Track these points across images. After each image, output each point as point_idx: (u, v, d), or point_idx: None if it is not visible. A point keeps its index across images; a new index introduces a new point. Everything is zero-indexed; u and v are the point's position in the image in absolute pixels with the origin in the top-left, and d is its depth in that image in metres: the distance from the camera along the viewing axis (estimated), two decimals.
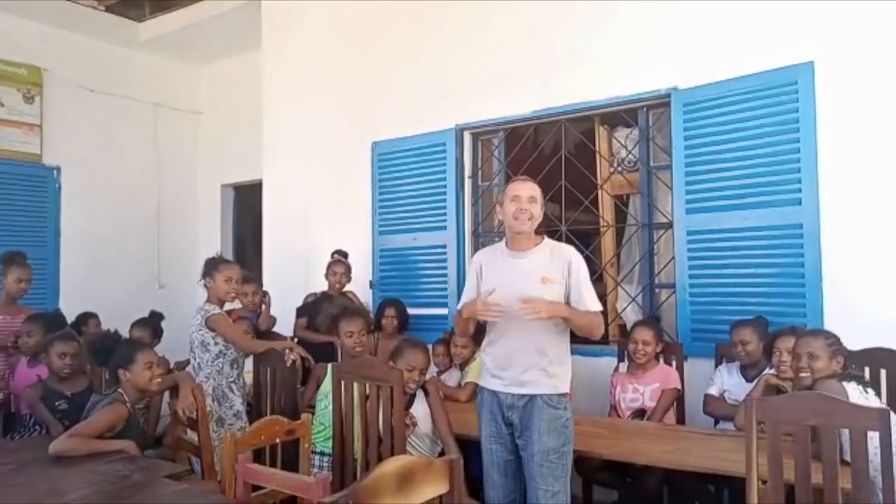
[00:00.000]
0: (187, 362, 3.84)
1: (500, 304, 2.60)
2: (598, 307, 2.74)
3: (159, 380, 3.05)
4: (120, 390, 2.98)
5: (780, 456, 2.20)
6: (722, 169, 3.84)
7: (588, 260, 4.55)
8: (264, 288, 4.91)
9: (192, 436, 3.22)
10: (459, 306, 2.93)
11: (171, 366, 4.20)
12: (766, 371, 3.24)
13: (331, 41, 5.57)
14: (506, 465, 2.76)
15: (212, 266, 3.63)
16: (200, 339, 3.54)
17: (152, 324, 4.60)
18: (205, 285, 3.63)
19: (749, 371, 3.40)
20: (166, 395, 3.45)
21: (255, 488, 2.35)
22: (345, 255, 4.89)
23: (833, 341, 2.73)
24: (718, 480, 3.21)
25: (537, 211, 2.74)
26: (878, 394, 2.92)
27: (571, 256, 2.75)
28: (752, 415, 2.29)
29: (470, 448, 3.05)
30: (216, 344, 3.53)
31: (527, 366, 2.69)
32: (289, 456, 2.72)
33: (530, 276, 2.70)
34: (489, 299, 2.64)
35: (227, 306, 3.81)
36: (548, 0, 4.45)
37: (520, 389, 2.70)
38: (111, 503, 2.21)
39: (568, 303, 2.71)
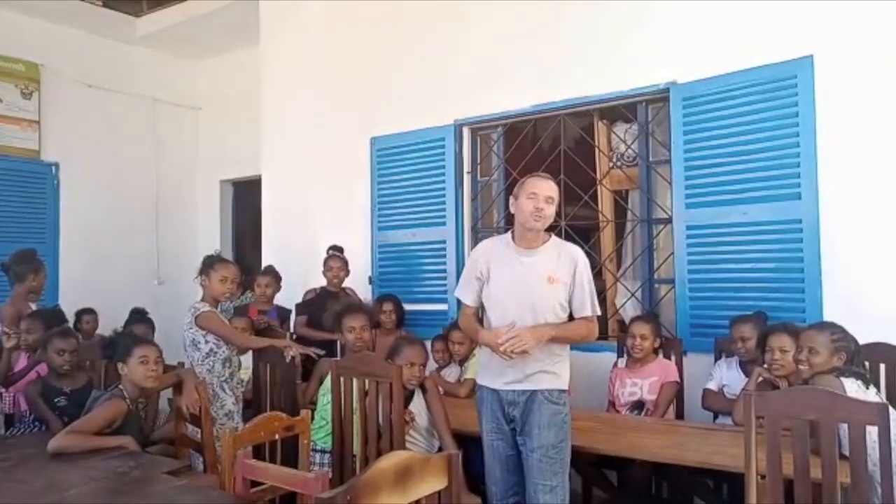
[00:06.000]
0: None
1: (513, 336, 2.59)
2: (596, 312, 2.76)
3: (154, 376, 3.00)
4: (120, 386, 2.98)
5: (779, 451, 2.20)
6: (721, 164, 3.84)
7: (587, 255, 4.60)
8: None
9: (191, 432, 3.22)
10: (458, 293, 2.93)
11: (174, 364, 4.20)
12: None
13: (329, 36, 5.55)
14: (507, 459, 2.78)
15: (208, 265, 3.60)
16: (191, 337, 3.52)
17: (138, 321, 4.63)
18: (200, 283, 3.61)
19: (748, 366, 3.39)
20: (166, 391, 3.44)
21: (255, 484, 2.35)
22: (340, 249, 4.88)
23: (838, 337, 2.70)
24: (717, 475, 3.21)
25: (552, 211, 2.74)
26: (878, 389, 2.92)
27: (578, 258, 2.75)
28: (750, 410, 2.29)
29: (469, 444, 3.06)
30: (206, 342, 3.51)
31: (532, 364, 2.69)
32: (288, 452, 2.72)
33: (538, 274, 2.70)
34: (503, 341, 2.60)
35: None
36: None
37: (521, 386, 2.71)
38: (110, 499, 2.21)
39: (570, 302, 2.74)
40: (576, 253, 2.77)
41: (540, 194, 2.70)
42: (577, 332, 2.74)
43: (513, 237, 2.82)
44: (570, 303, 2.73)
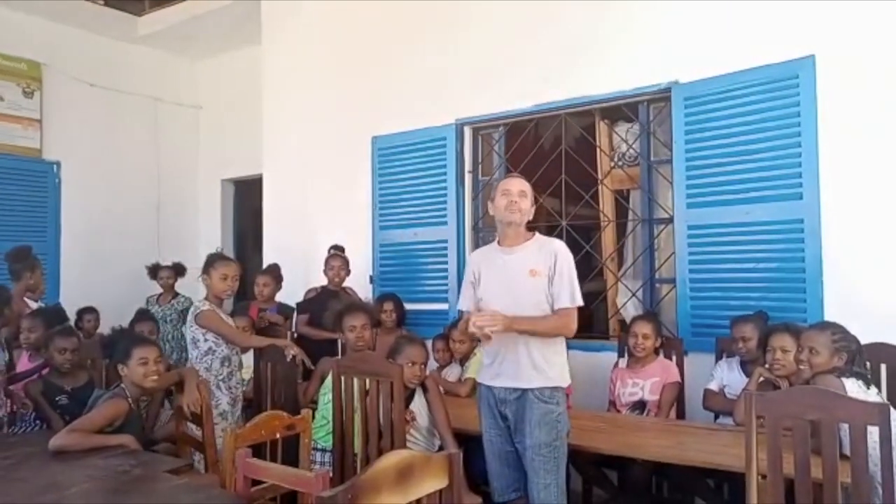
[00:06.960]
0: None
1: (488, 315, 2.64)
2: (575, 303, 2.72)
3: (155, 377, 2.99)
4: (122, 385, 2.98)
5: (780, 451, 2.20)
6: (723, 163, 3.83)
7: (588, 255, 4.61)
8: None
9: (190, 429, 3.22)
10: (459, 306, 3.04)
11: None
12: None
13: (330, 35, 5.55)
14: (507, 455, 2.80)
15: (209, 263, 3.63)
16: (191, 335, 3.56)
17: (143, 319, 4.67)
18: (203, 282, 3.64)
19: (749, 366, 3.39)
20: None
21: (255, 483, 2.35)
22: (341, 249, 4.90)
23: (839, 337, 2.70)
24: (718, 475, 3.21)
25: (526, 205, 2.80)
26: (879, 389, 2.91)
27: (558, 249, 2.78)
28: (751, 410, 2.29)
29: (470, 443, 3.06)
30: (205, 341, 3.53)
31: (521, 361, 2.72)
32: (289, 451, 2.72)
33: (519, 269, 2.75)
34: (476, 317, 2.66)
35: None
36: None
37: (512, 384, 2.75)
38: (111, 498, 2.21)
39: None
40: (557, 246, 2.80)
41: (513, 190, 2.79)
42: (547, 324, 2.72)
43: (497, 242, 2.90)
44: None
